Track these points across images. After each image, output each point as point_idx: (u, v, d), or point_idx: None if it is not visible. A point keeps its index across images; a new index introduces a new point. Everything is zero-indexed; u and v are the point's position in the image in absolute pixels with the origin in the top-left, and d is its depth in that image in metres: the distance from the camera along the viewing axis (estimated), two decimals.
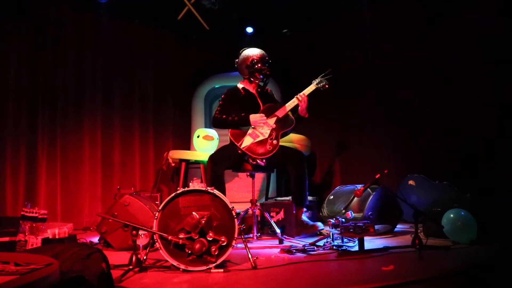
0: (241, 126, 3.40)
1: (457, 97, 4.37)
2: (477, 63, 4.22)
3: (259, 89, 3.62)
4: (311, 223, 3.36)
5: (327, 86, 3.47)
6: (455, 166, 4.27)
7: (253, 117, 3.38)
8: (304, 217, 3.40)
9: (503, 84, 4.04)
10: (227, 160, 3.36)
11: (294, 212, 3.49)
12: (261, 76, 3.54)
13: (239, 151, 3.31)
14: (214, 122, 3.51)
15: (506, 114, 4.01)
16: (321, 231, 3.47)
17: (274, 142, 3.32)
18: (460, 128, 4.34)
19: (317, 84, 3.47)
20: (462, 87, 4.34)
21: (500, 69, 4.06)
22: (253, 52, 3.59)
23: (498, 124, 4.07)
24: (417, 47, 4.70)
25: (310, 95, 3.47)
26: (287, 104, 3.44)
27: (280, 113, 3.44)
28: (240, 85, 3.64)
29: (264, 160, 3.35)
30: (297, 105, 3.44)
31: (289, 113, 3.47)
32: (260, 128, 3.38)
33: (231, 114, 3.43)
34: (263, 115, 3.42)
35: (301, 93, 3.43)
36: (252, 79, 3.58)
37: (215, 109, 3.54)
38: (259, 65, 3.53)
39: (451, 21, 4.43)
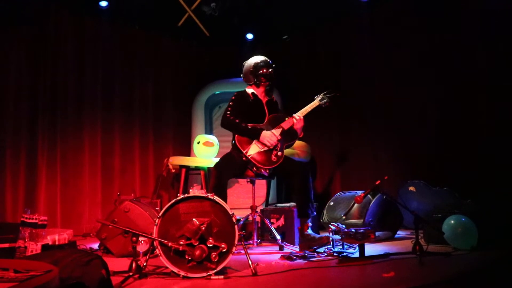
0: (249, 136, 3.39)
1: (458, 103, 4.38)
2: (477, 66, 4.24)
3: (271, 94, 3.64)
4: (318, 235, 3.24)
5: (328, 103, 3.54)
6: (455, 172, 4.27)
7: (264, 134, 3.34)
8: (310, 230, 3.28)
9: (503, 88, 4.05)
10: (232, 169, 3.34)
11: (299, 226, 3.37)
12: (266, 79, 3.55)
13: (244, 158, 3.29)
14: (224, 122, 3.46)
15: (507, 120, 4.01)
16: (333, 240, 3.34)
17: (279, 154, 3.31)
18: (460, 135, 4.34)
19: (320, 100, 3.53)
20: (463, 93, 4.34)
21: (501, 73, 4.07)
22: (257, 58, 3.63)
23: (498, 131, 4.07)
24: (417, 52, 4.72)
25: (303, 117, 3.49)
26: (282, 124, 3.43)
27: (285, 125, 3.43)
28: (249, 90, 3.64)
29: (268, 171, 3.33)
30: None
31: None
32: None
33: (244, 121, 3.41)
34: (274, 135, 3.36)
35: (298, 113, 3.44)
36: (258, 82, 3.59)
37: (226, 109, 3.52)
38: (264, 69, 3.56)
39: (451, 23, 4.45)
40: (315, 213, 3.39)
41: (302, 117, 3.43)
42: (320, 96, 3.54)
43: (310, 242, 3.15)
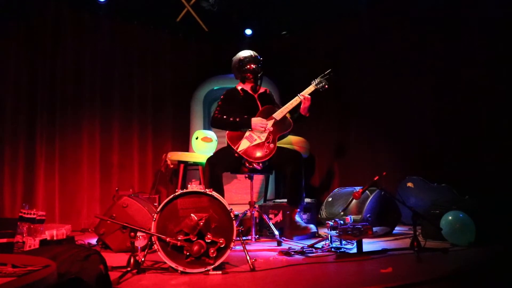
0: (241, 128, 3.38)
1: (456, 100, 4.38)
2: (477, 65, 4.23)
3: (257, 90, 3.61)
4: (304, 224, 3.30)
5: (326, 86, 3.42)
6: (453, 168, 4.28)
7: (254, 120, 3.36)
8: (298, 218, 3.34)
9: (501, 86, 4.05)
10: (225, 163, 3.34)
11: (288, 212, 3.45)
12: (251, 75, 3.54)
13: (236, 155, 3.29)
14: (213, 122, 3.49)
15: (505, 116, 4.02)
16: (315, 233, 3.45)
17: (271, 145, 3.29)
18: (458, 130, 4.34)
19: (316, 84, 3.43)
20: (461, 89, 4.34)
21: (499, 71, 4.07)
22: (243, 53, 3.63)
23: (497, 126, 4.07)
24: (417, 50, 4.71)
25: (309, 96, 3.46)
26: (286, 105, 3.40)
27: (278, 115, 3.41)
28: (238, 87, 3.65)
29: (260, 164, 3.32)
30: (298, 105, 3.41)
31: (287, 115, 3.44)
32: (258, 131, 3.36)
33: (231, 115, 3.41)
34: (263, 119, 3.38)
35: (302, 92, 3.40)
36: (244, 79, 3.59)
37: (214, 109, 3.54)
38: (250, 64, 3.55)
39: (452, 25, 4.45)
40: (304, 202, 3.41)
41: (308, 96, 3.37)
42: (317, 80, 3.42)
43: (295, 230, 3.24)
